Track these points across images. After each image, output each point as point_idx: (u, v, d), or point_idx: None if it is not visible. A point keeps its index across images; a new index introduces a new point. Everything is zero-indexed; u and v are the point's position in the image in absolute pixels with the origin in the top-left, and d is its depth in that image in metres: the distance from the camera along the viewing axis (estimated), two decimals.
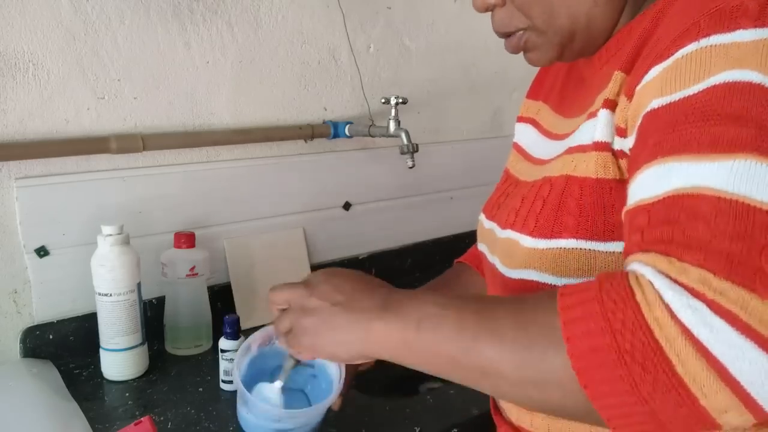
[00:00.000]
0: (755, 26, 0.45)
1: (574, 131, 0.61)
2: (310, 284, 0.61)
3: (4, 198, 0.98)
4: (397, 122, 1.19)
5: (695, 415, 0.40)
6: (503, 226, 0.65)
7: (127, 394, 0.93)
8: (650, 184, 0.46)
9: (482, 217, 0.75)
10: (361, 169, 1.37)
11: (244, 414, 0.72)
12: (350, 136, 1.28)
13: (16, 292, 1.01)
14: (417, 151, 1.16)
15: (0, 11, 0.94)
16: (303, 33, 1.25)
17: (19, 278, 1.01)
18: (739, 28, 0.45)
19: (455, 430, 0.87)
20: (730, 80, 0.45)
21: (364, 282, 0.60)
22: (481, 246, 0.74)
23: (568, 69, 0.73)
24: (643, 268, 0.43)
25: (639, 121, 0.50)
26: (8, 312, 1.00)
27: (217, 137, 1.16)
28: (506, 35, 0.65)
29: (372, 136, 1.25)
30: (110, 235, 0.94)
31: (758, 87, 0.44)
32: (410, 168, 1.18)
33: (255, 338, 0.74)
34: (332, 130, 1.27)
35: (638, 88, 0.52)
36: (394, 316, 0.54)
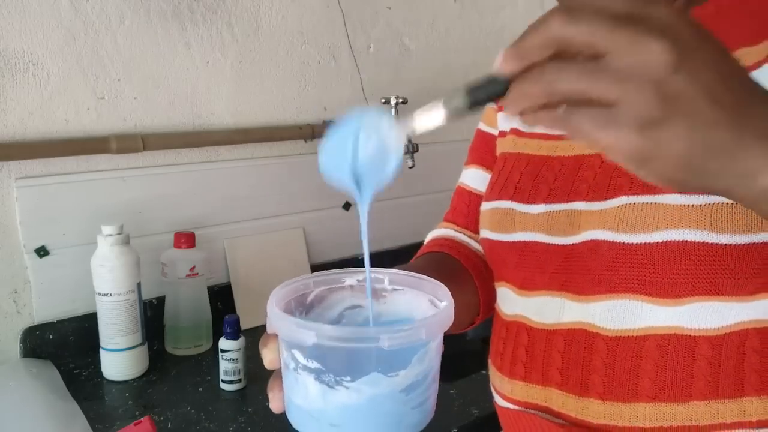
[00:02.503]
0: None
1: None
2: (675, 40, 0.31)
3: (4, 198, 0.98)
4: None
5: None
6: (613, 194, 0.55)
7: (127, 394, 0.93)
8: None
9: (502, 203, 0.65)
10: None
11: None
12: None
13: (16, 292, 1.01)
14: (417, 151, 1.16)
15: (0, 11, 0.94)
16: (303, 33, 1.25)
17: (19, 278, 1.01)
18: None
19: (455, 430, 0.87)
20: None
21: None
22: (519, 234, 0.62)
23: None
24: None
25: None
26: (8, 312, 1.00)
27: (217, 137, 1.16)
28: None
29: None
30: (110, 235, 0.94)
31: None
32: (410, 168, 1.18)
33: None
34: None
35: None
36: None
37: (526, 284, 0.63)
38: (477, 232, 0.75)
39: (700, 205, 0.49)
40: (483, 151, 0.79)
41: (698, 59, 0.31)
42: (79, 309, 1.04)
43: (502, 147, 0.73)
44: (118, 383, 0.96)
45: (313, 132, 1.25)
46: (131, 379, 0.97)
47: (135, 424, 0.75)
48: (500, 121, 0.76)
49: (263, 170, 1.23)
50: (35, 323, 1.02)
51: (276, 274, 1.23)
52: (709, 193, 0.45)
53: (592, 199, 0.57)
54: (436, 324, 0.41)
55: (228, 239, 1.20)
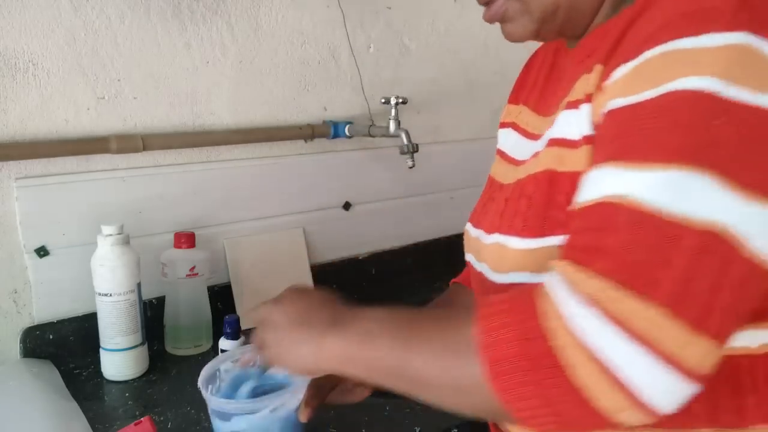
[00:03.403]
0: (724, 30, 0.43)
1: (552, 125, 0.59)
2: (277, 301, 0.65)
3: (4, 198, 0.98)
4: (397, 122, 1.19)
5: (594, 416, 0.43)
6: (489, 231, 0.64)
7: (127, 394, 0.93)
8: (589, 187, 0.47)
9: (468, 226, 0.74)
10: (361, 169, 1.37)
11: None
12: (350, 136, 1.28)
13: (16, 292, 1.01)
14: (417, 151, 1.16)
15: (0, 11, 0.94)
16: (303, 33, 1.25)
17: (19, 278, 1.01)
18: (707, 31, 0.44)
19: (455, 430, 0.87)
20: (685, 88, 0.43)
21: (321, 300, 0.63)
22: (468, 255, 0.72)
23: (549, 69, 0.71)
24: (552, 276, 0.46)
25: (601, 119, 0.50)
26: (8, 312, 1.00)
27: (217, 137, 1.16)
28: (487, 2, 0.64)
29: (372, 136, 1.25)
30: (110, 235, 0.94)
31: (710, 97, 0.43)
32: (410, 168, 1.18)
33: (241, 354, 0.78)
34: (332, 130, 1.27)
35: (606, 83, 0.51)
36: (340, 332, 0.57)
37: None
38: None
39: (533, 249, 0.57)
40: None
41: (284, 306, 0.64)
42: (79, 309, 1.04)
43: (492, 166, 0.80)
44: (118, 383, 0.96)
45: (313, 132, 1.25)
46: (131, 379, 0.97)
47: (135, 424, 0.75)
48: (498, 136, 0.79)
49: (263, 170, 1.23)
50: (35, 323, 1.02)
51: (276, 274, 1.23)
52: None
53: (489, 231, 0.65)
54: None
55: (228, 239, 1.20)
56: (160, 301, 1.10)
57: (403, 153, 1.16)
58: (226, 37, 1.16)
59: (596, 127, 0.52)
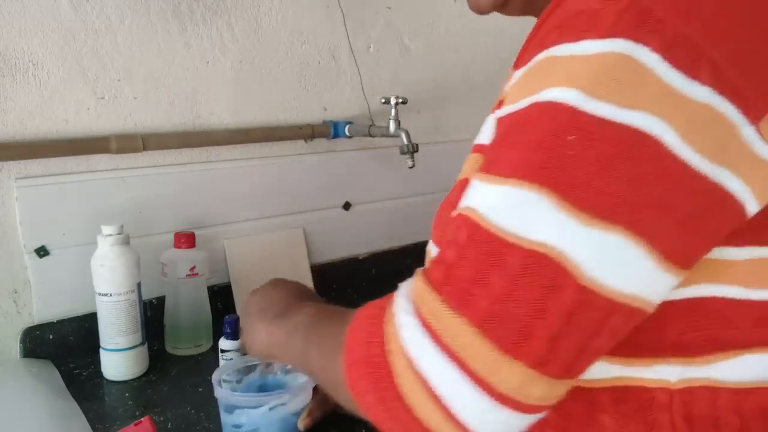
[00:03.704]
0: (603, 36, 0.40)
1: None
2: (254, 292, 0.73)
3: (4, 198, 0.98)
4: (397, 122, 1.19)
5: (420, 426, 0.42)
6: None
7: (127, 394, 0.93)
8: (462, 197, 0.46)
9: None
10: (361, 169, 1.37)
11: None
12: (350, 136, 1.28)
13: (16, 292, 1.01)
14: (417, 151, 1.16)
15: (0, 11, 0.94)
16: (303, 33, 1.25)
17: (19, 278, 1.01)
18: (586, 37, 0.40)
19: None
20: (548, 99, 0.41)
21: (286, 292, 0.69)
22: None
23: None
24: (401, 289, 0.46)
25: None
26: (8, 312, 1.00)
27: (217, 137, 1.16)
28: None
29: (372, 136, 1.25)
30: (110, 235, 0.94)
31: (569, 110, 0.39)
32: (410, 168, 1.18)
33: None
34: (332, 130, 1.27)
35: (506, 88, 0.49)
36: (282, 322, 0.62)
37: None
38: None
39: None
40: None
41: (255, 296, 0.72)
42: (79, 309, 1.04)
43: None
44: (118, 383, 0.96)
45: (313, 132, 1.25)
46: (131, 379, 0.97)
47: (135, 424, 0.75)
48: None
49: (263, 170, 1.23)
50: (35, 323, 1.02)
51: (276, 274, 1.22)
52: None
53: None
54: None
55: (228, 239, 1.20)
56: (160, 301, 1.10)
57: (403, 153, 1.16)
58: (226, 37, 1.16)
59: None
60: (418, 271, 0.46)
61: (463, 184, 0.52)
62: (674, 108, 0.38)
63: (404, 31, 1.39)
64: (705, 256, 0.42)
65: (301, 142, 1.27)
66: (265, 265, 1.22)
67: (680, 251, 0.40)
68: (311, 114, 1.28)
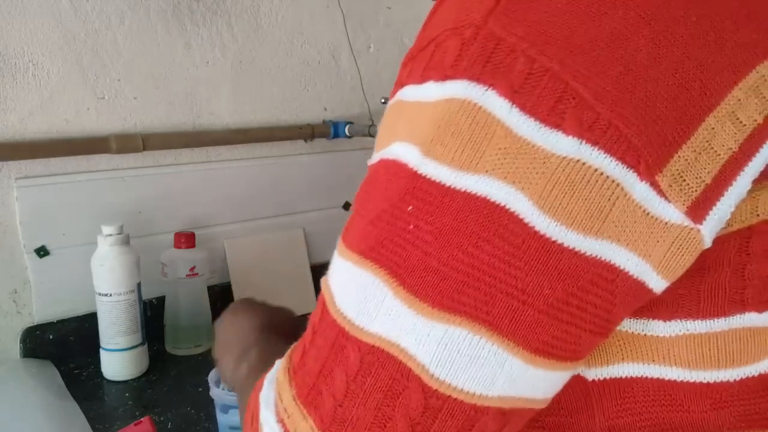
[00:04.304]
0: (444, 78, 0.32)
1: None
2: (223, 317, 0.73)
3: (4, 198, 0.98)
4: None
5: None
6: None
7: (127, 394, 0.93)
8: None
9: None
10: (361, 169, 1.36)
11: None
12: (350, 136, 1.28)
13: (16, 292, 1.01)
14: None
15: (0, 11, 0.94)
16: (303, 33, 1.25)
17: (19, 278, 1.01)
18: (430, 78, 0.33)
19: None
20: (394, 157, 0.35)
21: (246, 328, 0.66)
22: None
23: None
24: (277, 364, 0.41)
25: None
26: (8, 312, 1.00)
27: (217, 137, 1.16)
28: None
29: (372, 136, 1.25)
30: (110, 235, 0.94)
31: (411, 174, 0.33)
32: None
33: None
34: (332, 130, 1.27)
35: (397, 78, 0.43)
36: (238, 367, 0.59)
37: None
38: None
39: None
40: None
41: (221, 324, 0.73)
42: (79, 309, 1.04)
43: None
44: (118, 383, 0.96)
45: (313, 132, 1.25)
46: (131, 379, 0.97)
47: (135, 424, 0.75)
48: None
49: (263, 170, 1.23)
50: (35, 323, 1.02)
51: (276, 274, 1.23)
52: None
53: None
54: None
55: (228, 239, 1.20)
56: (160, 301, 1.10)
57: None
58: (226, 37, 1.16)
59: None
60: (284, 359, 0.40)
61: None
62: (528, 168, 0.30)
63: (404, 31, 1.39)
64: (625, 330, 0.35)
65: (301, 142, 1.27)
66: (265, 265, 1.22)
67: (553, 344, 0.32)
68: (311, 114, 1.28)
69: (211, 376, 0.78)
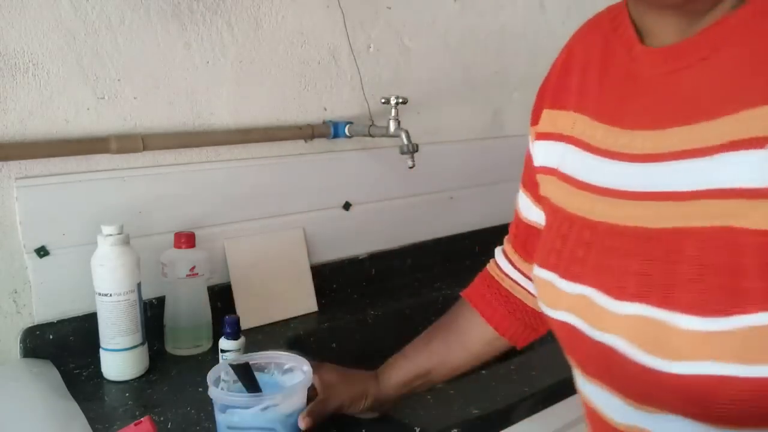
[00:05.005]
0: None
1: (701, 162, 0.47)
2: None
3: (4, 198, 0.98)
4: (397, 122, 1.19)
5: None
6: (620, 297, 0.50)
7: (127, 394, 0.93)
8: None
9: (542, 271, 0.60)
10: (361, 169, 1.37)
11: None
12: (350, 136, 1.28)
13: (16, 292, 1.01)
14: (417, 151, 1.16)
15: (0, 11, 0.94)
16: (303, 33, 1.25)
17: (19, 278, 1.01)
18: None
19: (455, 430, 0.87)
20: None
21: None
22: (561, 313, 0.57)
23: (603, 70, 0.59)
24: None
25: None
26: (8, 312, 1.00)
27: (217, 137, 1.16)
28: None
29: (372, 136, 1.25)
30: (110, 235, 0.94)
31: None
32: (410, 168, 1.18)
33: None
34: (332, 130, 1.27)
35: None
36: None
37: (583, 371, 0.58)
38: (526, 257, 0.75)
39: (720, 333, 0.44)
40: (526, 173, 0.72)
41: None
42: (79, 309, 1.04)
43: (545, 188, 0.66)
44: (118, 383, 0.96)
45: (313, 132, 1.25)
46: (131, 379, 0.97)
47: (135, 424, 0.74)
48: (535, 150, 0.67)
49: (263, 170, 1.23)
50: (35, 323, 1.02)
51: (276, 274, 1.23)
52: None
53: (620, 298, 0.52)
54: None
55: (228, 239, 1.20)
56: (160, 301, 1.10)
57: (403, 153, 1.16)
58: (226, 37, 1.16)
59: None
60: None
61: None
62: None
63: (404, 31, 1.39)
64: None
65: (301, 142, 1.28)
66: (265, 265, 1.23)
67: None
68: (311, 114, 1.28)
69: (210, 376, 0.78)
